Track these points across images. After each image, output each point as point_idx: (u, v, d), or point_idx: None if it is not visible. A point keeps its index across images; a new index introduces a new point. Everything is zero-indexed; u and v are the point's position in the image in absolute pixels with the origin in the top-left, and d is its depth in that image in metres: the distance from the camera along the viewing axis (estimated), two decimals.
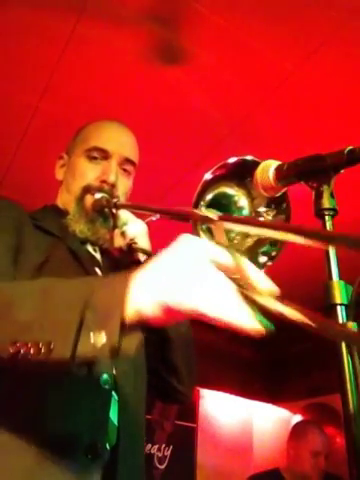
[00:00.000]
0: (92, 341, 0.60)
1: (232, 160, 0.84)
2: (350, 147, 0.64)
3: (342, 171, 0.67)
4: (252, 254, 0.88)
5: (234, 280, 0.59)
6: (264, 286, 0.59)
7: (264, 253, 0.87)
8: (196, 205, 0.84)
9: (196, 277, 0.59)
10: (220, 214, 0.72)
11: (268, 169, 0.75)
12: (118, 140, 1.20)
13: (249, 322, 0.58)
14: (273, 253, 0.87)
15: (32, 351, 0.63)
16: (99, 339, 0.60)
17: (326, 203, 0.66)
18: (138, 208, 1.01)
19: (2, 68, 1.88)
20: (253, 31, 1.68)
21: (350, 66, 1.77)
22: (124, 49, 1.77)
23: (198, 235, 0.77)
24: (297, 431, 2.78)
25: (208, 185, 0.84)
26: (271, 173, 0.75)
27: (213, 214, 0.68)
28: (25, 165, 2.35)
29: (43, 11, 1.65)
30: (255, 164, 0.80)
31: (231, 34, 1.69)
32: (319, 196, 0.67)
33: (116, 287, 0.64)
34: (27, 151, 2.27)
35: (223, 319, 0.59)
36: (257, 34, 1.69)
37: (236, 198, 0.88)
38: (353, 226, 2.39)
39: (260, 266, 0.87)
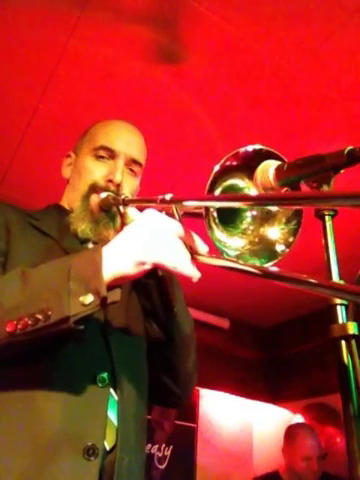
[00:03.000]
0: (81, 302, 0.77)
1: (243, 150, 0.83)
2: (350, 147, 0.64)
3: (342, 171, 0.67)
4: (266, 243, 0.88)
5: (184, 243, 0.85)
6: (203, 249, 0.86)
7: (278, 240, 0.87)
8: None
9: (159, 239, 0.82)
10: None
11: (268, 169, 0.75)
12: (125, 140, 1.19)
13: (192, 271, 0.83)
14: (288, 239, 0.86)
15: (30, 322, 0.76)
16: (87, 299, 0.77)
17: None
18: (146, 201, 0.98)
19: (2, 68, 1.88)
20: (253, 31, 1.68)
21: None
22: (124, 49, 1.77)
23: (210, 225, 0.83)
24: (288, 436, 2.79)
25: (218, 176, 0.83)
26: (271, 173, 0.75)
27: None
28: (25, 165, 2.35)
29: (43, 11, 1.65)
30: (266, 154, 0.80)
31: (231, 34, 1.69)
32: None
33: (91, 256, 0.82)
34: (27, 151, 2.27)
35: (176, 269, 0.82)
36: (256, 34, 1.69)
37: (246, 190, 0.87)
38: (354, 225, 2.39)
39: (277, 254, 0.86)
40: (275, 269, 0.81)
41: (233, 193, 0.85)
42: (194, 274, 0.83)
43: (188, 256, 0.84)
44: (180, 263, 0.82)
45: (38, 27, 1.70)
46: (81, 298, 0.77)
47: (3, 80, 1.93)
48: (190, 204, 0.86)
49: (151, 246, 0.82)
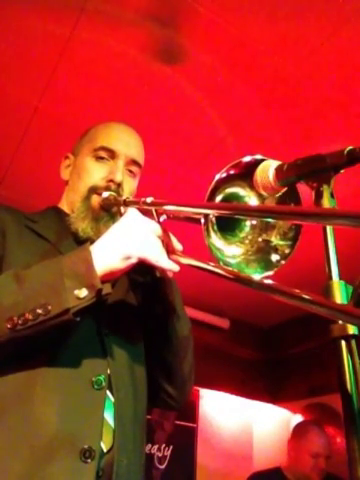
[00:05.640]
0: (76, 295, 0.83)
1: (245, 160, 0.83)
2: (350, 147, 0.64)
3: (342, 171, 0.67)
4: (263, 253, 0.88)
5: (162, 242, 0.94)
6: (178, 247, 0.96)
7: (276, 251, 0.87)
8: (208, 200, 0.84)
9: (141, 236, 0.91)
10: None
11: (268, 169, 0.75)
12: (125, 141, 1.20)
13: (171, 265, 0.92)
14: (286, 251, 0.86)
15: (31, 317, 0.81)
16: (81, 293, 0.83)
17: (326, 203, 0.66)
18: (146, 205, 1.00)
19: (2, 68, 1.88)
20: (253, 31, 1.68)
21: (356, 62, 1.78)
22: (124, 49, 1.77)
23: (208, 231, 0.87)
24: (298, 431, 2.75)
25: (219, 185, 0.83)
26: (271, 173, 0.75)
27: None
28: (25, 165, 2.35)
29: (43, 11, 1.65)
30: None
31: (231, 34, 1.69)
32: (319, 196, 0.67)
33: (81, 254, 0.89)
34: (27, 151, 2.27)
35: (158, 263, 0.91)
36: (257, 34, 1.69)
37: (247, 199, 0.88)
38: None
39: (273, 265, 0.87)
40: (245, 275, 0.83)
41: (215, 202, 0.86)
42: (173, 267, 0.93)
43: (164, 251, 0.94)
44: (161, 258, 0.91)
45: (38, 27, 1.70)
46: (76, 292, 0.83)
47: (3, 80, 1.93)
48: (169, 208, 0.96)
49: (135, 242, 0.90)
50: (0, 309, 0.82)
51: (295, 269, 2.74)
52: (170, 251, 0.95)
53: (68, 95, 1.99)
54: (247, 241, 0.90)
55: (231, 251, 0.89)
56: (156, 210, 0.97)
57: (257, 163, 0.81)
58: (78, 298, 0.83)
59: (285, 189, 0.77)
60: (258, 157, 0.82)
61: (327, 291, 0.62)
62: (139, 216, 0.95)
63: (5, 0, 1.62)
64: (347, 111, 1.95)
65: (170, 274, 0.97)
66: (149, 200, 0.98)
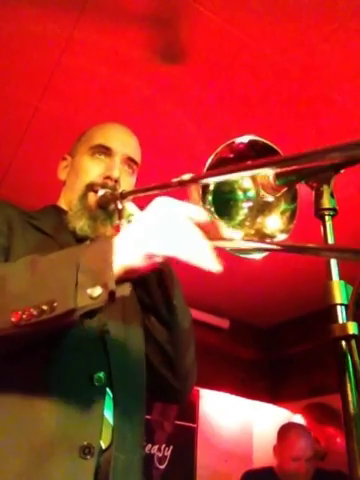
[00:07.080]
0: (89, 294, 0.73)
1: (239, 141, 0.83)
2: None
3: (342, 171, 0.67)
4: (262, 234, 0.88)
5: (203, 230, 0.75)
6: (226, 233, 0.81)
7: (275, 231, 0.87)
8: (202, 190, 0.83)
9: (172, 228, 0.74)
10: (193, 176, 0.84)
11: None
12: (121, 139, 1.21)
13: (209, 263, 0.73)
14: (286, 227, 0.86)
15: (35, 313, 0.73)
16: (95, 292, 0.73)
17: (326, 203, 0.67)
18: (144, 191, 0.99)
19: (2, 68, 1.88)
20: (253, 31, 1.68)
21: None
22: (124, 49, 1.77)
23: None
24: (280, 434, 2.76)
25: (213, 167, 0.83)
26: (271, 173, 0.75)
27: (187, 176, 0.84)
28: (25, 165, 2.35)
29: (43, 11, 1.64)
30: (263, 146, 0.80)
31: (231, 34, 1.69)
32: (319, 196, 0.67)
33: (102, 247, 0.78)
34: (27, 151, 2.27)
35: (192, 261, 0.73)
36: (257, 34, 1.69)
37: (240, 182, 0.87)
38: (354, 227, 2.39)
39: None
40: (290, 242, 0.78)
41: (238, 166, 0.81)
42: (212, 266, 0.73)
43: (206, 244, 0.74)
44: (196, 254, 0.73)
45: (38, 27, 1.70)
46: (89, 291, 0.73)
47: (3, 80, 1.93)
48: (211, 180, 0.80)
49: (164, 237, 0.74)
50: (8, 297, 0.77)
51: (295, 269, 2.74)
52: (214, 238, 0.77)
53: (68, 95, 1.99)
54: (247, 223, 0.89)
55: (230, 235, 0.88)
56: (196, 189, 0.81)
57: (251, 144, 0.80)
58: (91, 297, 0.73)
59: (285, 189, 0.77)
60: (253, 138, 0.82)
61: (327, 291, 0.62)
62: (171, 201, 0.78)
63: (5, 0, 1.62)
64: (347, 111, 1.95)
65: (215, 271, 0.74)
66: (187, 177, 0.81)
